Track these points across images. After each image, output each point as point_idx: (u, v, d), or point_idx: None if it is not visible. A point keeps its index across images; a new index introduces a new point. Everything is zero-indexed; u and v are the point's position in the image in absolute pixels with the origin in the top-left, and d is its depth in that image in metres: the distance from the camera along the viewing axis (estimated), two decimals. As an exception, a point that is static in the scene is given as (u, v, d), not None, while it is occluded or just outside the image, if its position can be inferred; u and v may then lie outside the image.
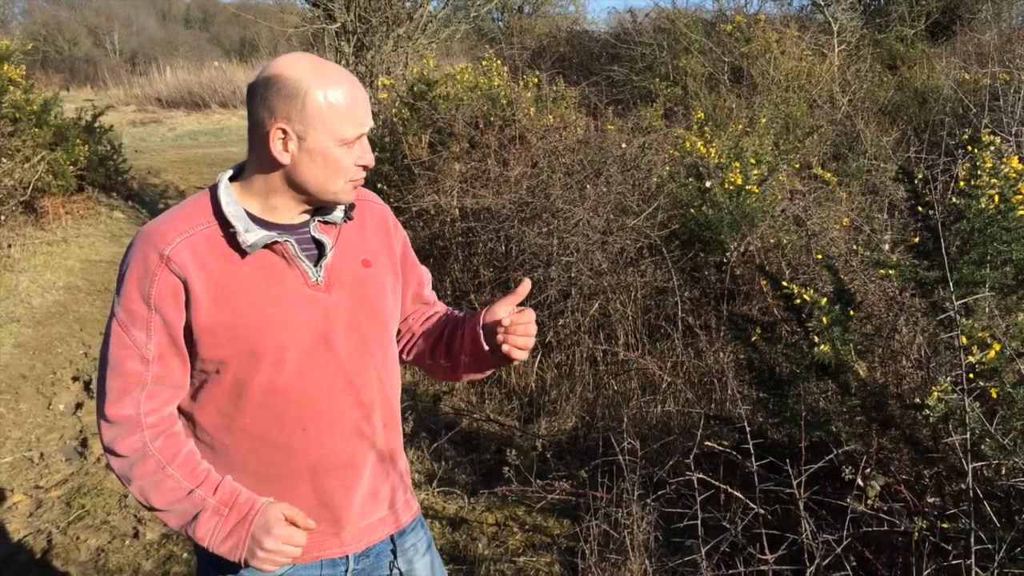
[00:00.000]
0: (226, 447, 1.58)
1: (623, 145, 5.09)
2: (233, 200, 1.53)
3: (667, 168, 5.27)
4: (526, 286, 1.66)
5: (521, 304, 1.67)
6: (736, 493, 2.72)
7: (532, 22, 19.34)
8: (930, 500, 2.45)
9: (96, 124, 9.97)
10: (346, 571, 1.70)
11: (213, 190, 1.56)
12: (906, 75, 11.16)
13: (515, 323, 1.62)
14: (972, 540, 1.97)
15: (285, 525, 1.51)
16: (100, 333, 6.37)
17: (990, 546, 2.03)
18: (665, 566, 2.77)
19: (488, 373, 1.81)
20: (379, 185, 5.96)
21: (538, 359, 4.70)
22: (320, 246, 1.59)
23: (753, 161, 4.88)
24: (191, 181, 12.56)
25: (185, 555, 3.57)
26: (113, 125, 10.73)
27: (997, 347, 2.41)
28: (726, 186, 4.54)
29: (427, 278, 1.88)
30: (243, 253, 1.51)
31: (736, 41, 10.41)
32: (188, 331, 1.51)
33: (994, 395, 2.39)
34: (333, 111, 1.47)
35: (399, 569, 1.75)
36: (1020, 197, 2.48)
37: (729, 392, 3.64)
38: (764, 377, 3.20)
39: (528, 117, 5.52)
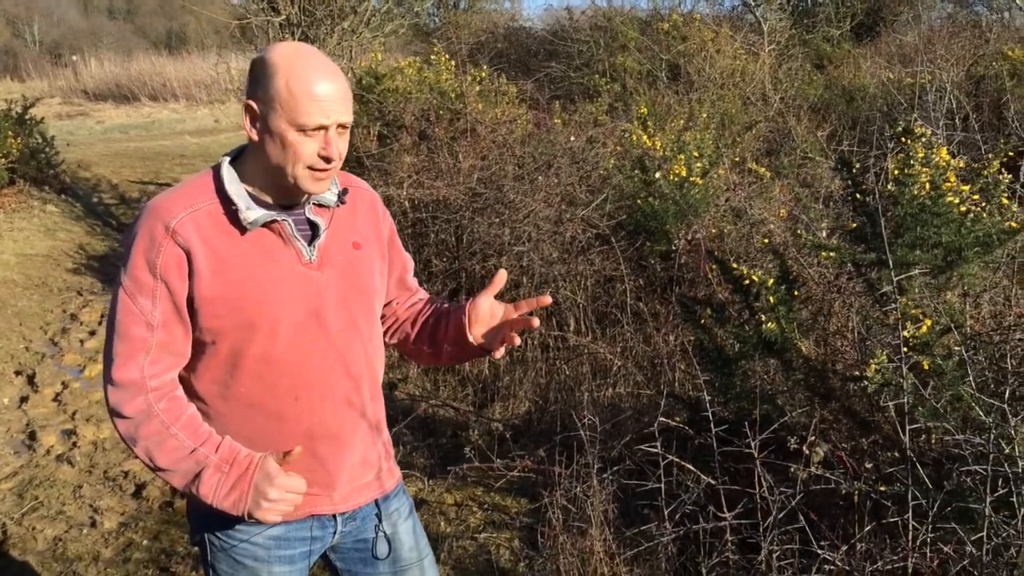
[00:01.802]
0: (221, 414, 1.66)
1: (572, 138, 5.23)
2: (235, 179, 1.62)
3: (612, 161, 5.43)
4: (502, 276, 1.77)
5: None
6: (689, 466, 2.88)
7: (468, 18, 19.37)
8: (868, 466, 2.64)
9: (27, 116, 9.71)
10: (334, 532, 1.80)
11: (216, 169, 1.64)
12: (833, 74, 11.58)
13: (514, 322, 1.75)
14: (909, 498, 2.15)
15: (285, 475, 1.59)
16: (40, 327, 6.25)
17: (924, 502, 2.21)
18: (623, 535, 2.91)
19: (466, 359, 1.93)
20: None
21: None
22: (314, 227, 1.67)
23: (696, 154, 5.07)
24: (123, 175, 12.30)
25: (145, 542, 3.58)
26: (44, 117, 10.45)
27: (929, 323, 2.61)
28: (671, 178, 4.72)
29: (410, 265, 1.96)
30: (243, 230, 1.59)
31: (673, 39, 10.66)
32: (190, 302, 1.59)
33: (926, 367, 2.59)
34: (291, 96, 1.53)
35: (384, 531, 1.85)
36: (949, 184, 2.69)
37: (678, 374, 3.81)
38: (713, 357, 3.37)
39: (477, 110, 5.62)
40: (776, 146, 8.47)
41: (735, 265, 3.00)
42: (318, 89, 1.54)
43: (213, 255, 1.58)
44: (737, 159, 6.22)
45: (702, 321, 3.29)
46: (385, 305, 1.91)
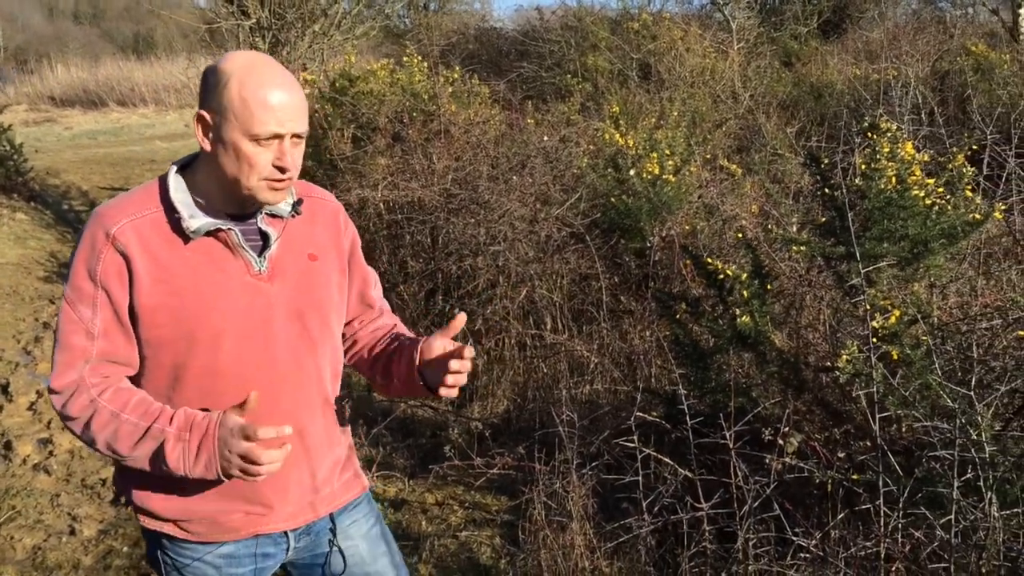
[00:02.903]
0: None
1: (545, 138, 5.27)
2: (182, 187, 1.59)
3: (586, 160, 5.48)
4: (460, 320, 1.68)
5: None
6: (666, 459, 2.92)
7: (439, 19, 19.35)
8: (840, 455, 2.70)
9: (-7, 123, 9.59)
10: (287, 548, 1.77)
11: (163, 178, 1.62)
12: (801, 71, 11.72)
13: (452, 369, 1.64)
14: (880, 485, 2.21)
15: (243, 423, 1.52)
16: (12, 337, 6.18)
17: (894, 489, 2.27)
18: (603, 529, 2.94)
19: (415, 395, 1.90)
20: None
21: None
22: (265, 237, 1.64)
23: (668, 152, 5.12)
24: (93, 181, 12.17)
25: (125, 549, 3.57)
26: (11, 125, 10.33)
27: (897, 313, 2.68)
28: (644, 176, 4.77)
29: (373, 279, 1.92)
30: (187, 239, 1.57)
31: (643, 39, 10.74)
32: (131, 310, 1.56)
33: (895, 356, 2.65)
34: (244, 106, 1.50)
35: (338, 546, 1.81)
36: (914, 178, 2.75)
37: (654, 369, 3.86)
38: (688, 351, 3.42)
39: (451, 112, 5.64)
40: (747, 143, 8.58)
41: (709, 260, 3.05)
42: (272, 98, 1.52)
43: (154, 263, 1.55)
44: (709, 156, 6.29)
45: (677, 316, 3.34)
46: (347, 324, 1.87)
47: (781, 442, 2.57)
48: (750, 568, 2.29)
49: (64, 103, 22.32)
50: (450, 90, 6.02)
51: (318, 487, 1.76)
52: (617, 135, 5.19)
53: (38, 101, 22.56)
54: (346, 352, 1.90)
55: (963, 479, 2.17)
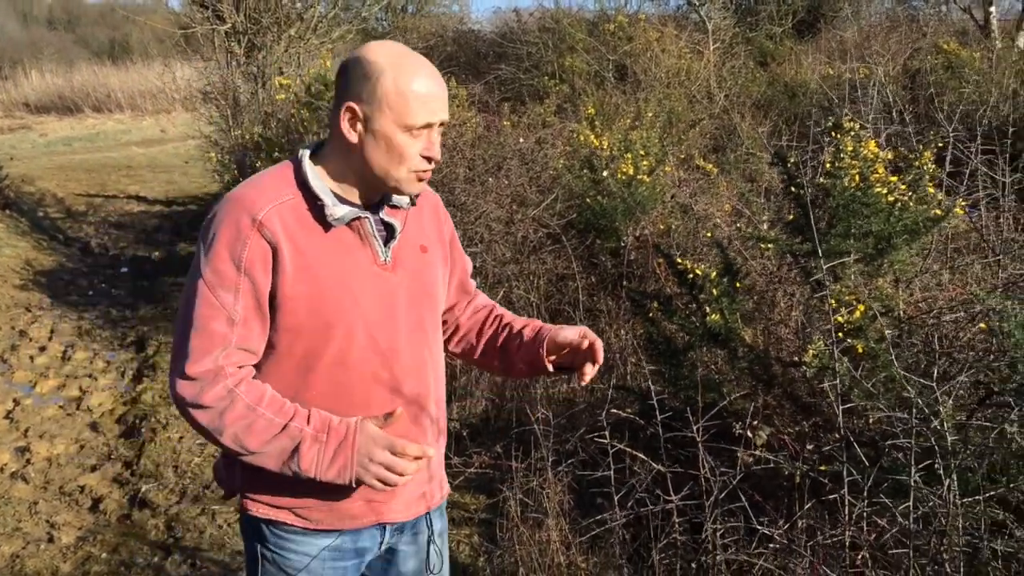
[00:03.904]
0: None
1: (521, 140, 5.31)
2: (318, 176, 1.60)
3: (562, 161, 5.53)
4: (583, 335, 1.76)
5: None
6: (639, 455, 2.97)
7: (417, 22, 19.34)
8: (809, 447, 2.76)
9: (-33, 130, 9.52)
10: (381, 543, 1.74)
11: (296, 164, 1.62)
12: (776, 71, 11.84)
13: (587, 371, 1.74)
14: (844, 474, 2.26)
15: (389, 436, 1.55)
16: (-11, 345, 6.15)
17: (859, 478, 2.32)
18: (579, 524, 2.99)
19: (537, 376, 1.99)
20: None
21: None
22: (389, 228, 1.65)
23: (642, 152, 5.18)
24: (69, 188, 12.10)
25: (104, 555, 3.58)
26: (-15, 131, 10.26)
27: (862, 308, 2.74)
28: (619, 176, 4.82)
29: (469, 266, 1.94)
30: (327, 227, 1.57)
31: (619, 40, 10.82)
32: (271, 298, 1.55)
33: (860, 350, 2.71)
34: (400, 97, 1.52)
35: (436, 544, 1.81)
36: (876, 176, 2.82)
37: (629, 367, 3.91)
38: (662, 349, 3.47)
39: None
40: (722, 142, 8.67)
41: (680, 259, 3.10)
42: (426, 88, 1.54)
43: (296, 251, 1.55)
44: (683, 156, 6.35)
45: (650, 314, 3.39)
46: (447, 311, 1.88)
47: (750, 435, 2.62)
48: (718, 558, 2.35)
49: (39, 110, 22.14)
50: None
51: (431, 477, 1.77)
52: (592, 136, 5.24)
53: (13, 108, 22.38)
54: (450, 339, 1.91)
55: (922, 466, 2.23)
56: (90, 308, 7.07)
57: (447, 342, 1.89)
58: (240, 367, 1.56)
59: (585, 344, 1.74)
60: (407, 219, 1.68)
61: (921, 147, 4.23)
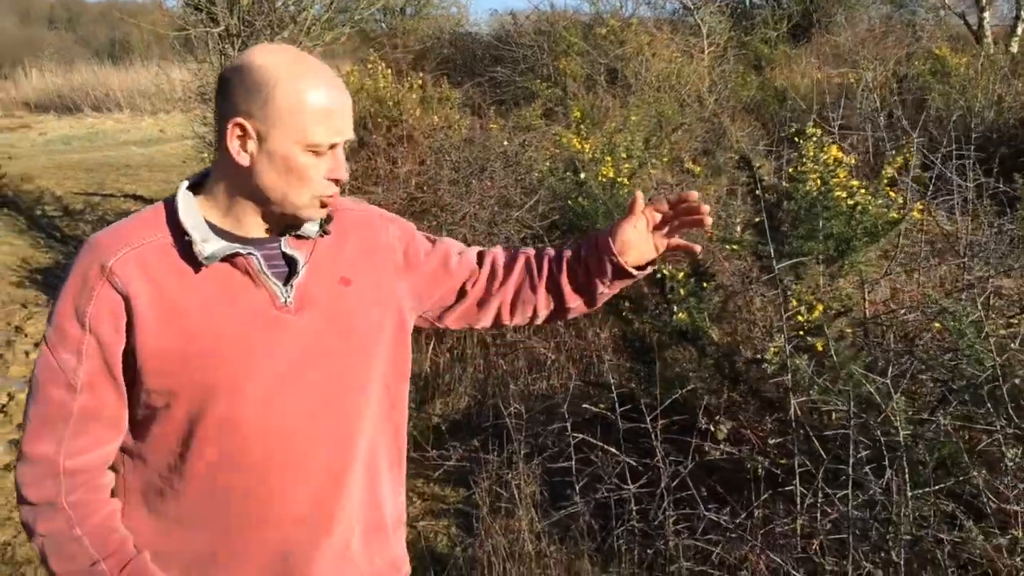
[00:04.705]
0: (178, 493, 1.37)
1: (505, 143, 5.43)
2: (192, 208, 1.36)
3: (547, 164, 5.64)
4: (638, 200, 1.55)
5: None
6: (607, 447, 3.08)
7: (415, 23, 19.44)
8: (771, 441, 2.86)
9: (-35, 129, 9.63)
10: None
11: (170, 199, 1.38)
12: (770, 75, 11.95)
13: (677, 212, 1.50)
14: (796, 466, 2.37)
15: None
16: (-16, 341, 6.26)
17: (812, 469, 2.43)
18: (550, 516, 3.09)
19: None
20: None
21: (431, 346, 4.97)
22: (291, 263, 1.40)
23: (625, 156, 5.29)
24: (67, 187, 12.20)
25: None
26: (-17, 130, 10.37)
27: (820, 307, 2.84)
28: (600, 179, 4.93)
29: (453, 248, 1.62)
30: (200, 266, 1.32)
31: (611, 44, 10.92)
32: (131, 357, 1.32)
33: (819, 348, 2.82)
34: (301, 111, 1.29)
35: None
36: (836, 180, 2.93)
37: (605, 364, 4.01)
38: (636, 347, 3.58)
39: (415, 117, 5.79)
40: (712, 145, 8.78)
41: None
42: (329, 100, 1.32)
43: (161, 299, 1.30)
44: (667, 159, 6.46)
45: (623, 313, 3.50)
46: (463, 299, 1.60)
47: (712, 428, 2.73)
48: (670, 543, 2.45)
49: (38, 109, 22.26)
50: (414, 96, 6.16)
51: (355, 566, 1.48)
52: (575, 140, 5.34)
53: (12, 107, 22.48)
54: (496, 316, 1.63)
55: (862, 456, 2.33)
56: (84, 306, 7.16)
57: (497, 318, 1.63)
58: (91, 453, 1.33)
59: (663, 208, 1.52)
60: (316, 249, 1.42)
61: (894, 152, 4.34)
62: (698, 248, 1.59)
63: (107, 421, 1.34)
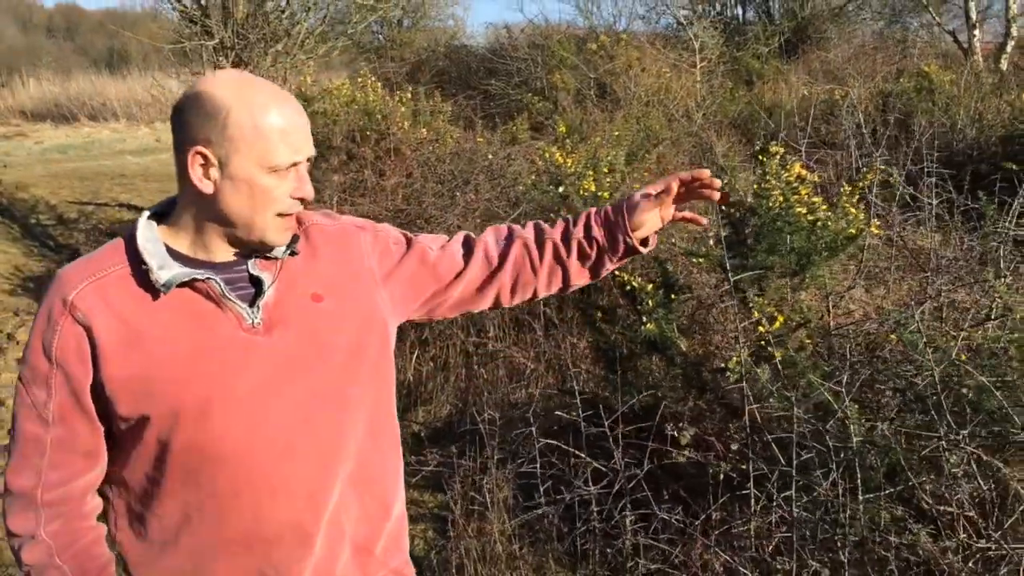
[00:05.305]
0: (156, 516, 1.40)
1: (490, 156, 5.55)
2: (152, 236, 1.38)
3: (532, 177, 5.76)
4: (674, 185, 1.59)
5: None
6: (573, 451, 3.18)
7: (412, 35, 19.58)
8: (733, 447, 2.97)
9: (-39, 138, 9.74)
10: None
11: (130, 229, 1.40)
12: (761, 90, 12.09)
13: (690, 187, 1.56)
14: (750, 470, 2.48)
15: None
16: (-23, 347, 6.35)
17: (767, 472, 2.54)
18: (521, 520, 3.19)
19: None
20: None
21: (416, 355, 5.08)
22: (258, 284, 1.40)
23: (606, 170, 5.40)
24: (62, 195, 12.32)
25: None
26: (-21, 139, 10.48)
27: (781, 319, 2.96)
28: (581, 193, 5.05)
29: (432, 244, 1.64)
30: (156, 295, 1.34)
31: (601, 59, 11.07)
32: (99, 388, 1.34)
33: (778, 357, 2.93)
34: (258, 133, 1.32)
35: None
36: (797, 197, 3.04)
37: (582, 373, 4.12)
38: (609, 356, 3.69)
39: (403, 130, 5.91)
40: (698, 159, 8.91)
41: (619, 272, 3.33)
42: (285, 119, 1.34)
43: (124, 327, 1.33)
44: (647, 174, 6.58)
45: (596, 324, 3.61)
46: (462, 288, 1.62)
47: (676, 434, 2.83)
48: (628, 543, 2.56)
49: (35, 117, 22.39)
50: (402, 109, 6.29)
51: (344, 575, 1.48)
52: (557, 154, 5.46)
53: (9, 116, 22.62)
54: (484, 304, 1.66)
55: (805, 459, 2.44)
56: (77, 313, 7.26)
57: (496, 303, 1.66)
58: (70, 484, 1.37)
59: (675, 188, 1.56)
60: (284, 268, 1.43)
61: (865, 170, 4.47)
62: (704, 220, 1.65)
63: (82, 452, 1.37)
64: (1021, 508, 2.27)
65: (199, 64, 7.88)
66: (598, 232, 1.60)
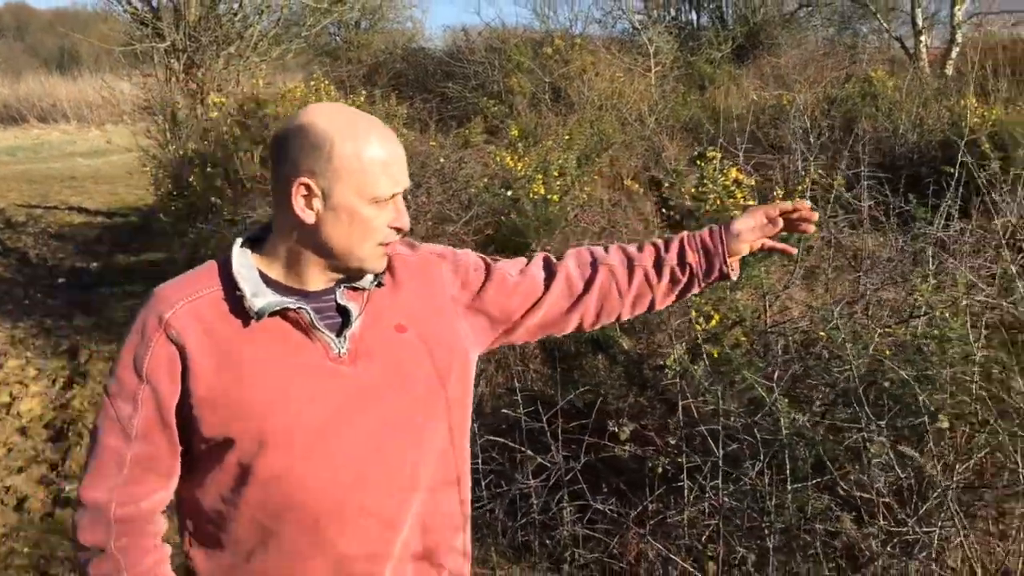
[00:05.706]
0: (235, 541, 1.41)
1: (442, 160, 5.61)
2: (247, 263, 1.41)
3: (484, 180, 5.83)
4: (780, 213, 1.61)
5: None
6: (513, 446, 3.27)
7: (369, 37, 19.51)
8: (672, 441, 3.07)
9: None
10: None
11: (225, 255, 1.42)
12: (713, 95, 12.30)
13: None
14: (684, 462, 2.59)
15: None
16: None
17: (700, 464, 2.65)
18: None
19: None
20: (212, 198, 6.22)
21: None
22: (345, 313, 1.43)
23: (556, 174, 5.51)
24: (11, 199, 12.12)
25: (25, 550, 3.76)
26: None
27: (718, 317, 3.07)
28: (531, 196, 5.14)
29: (511, 270, 1.62)
30: (248, 321, 1.37)
31: (556, 63, 11.19)
32: (186, 407, 1.37)
33: (715, 355, 3.05)
34: (362, 165, 1.35)
35: None
36: (733, 200, 3.17)
37: (530, 372, 4.21)
38: (555, 356, 3.79)
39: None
40: (650, 163, 9.06)
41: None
42: (386, 152, 1.37)
43: (216, 349, 1.36)
44: (598, 177, 6.69)
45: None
46: (545, 313, 1.61)
47: (616, 429, 2.93)
48: (565, 533, 2.65)
49: (-18, 119, 21.98)
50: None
51: None
52: (508, 158, 5.55)
53: (-45, 117, 22.16)
54: (566, 329, 1.66)
55: (732, 449, 2.55)
56: (25, 318, 7.18)
57: (578, 331, 1.68)
58: (142, 502, 1.40)
59: (780, 223, 1.60)
60: (370, 299, 1.45)
61: (803, 174, 4.63)
62: (794, 250, 1.68)
63: (159, 470, 1.39)
64: (935, 495, 2.40)
65: (150, 66, 7.84)
66: (693, 258, 1.62)
